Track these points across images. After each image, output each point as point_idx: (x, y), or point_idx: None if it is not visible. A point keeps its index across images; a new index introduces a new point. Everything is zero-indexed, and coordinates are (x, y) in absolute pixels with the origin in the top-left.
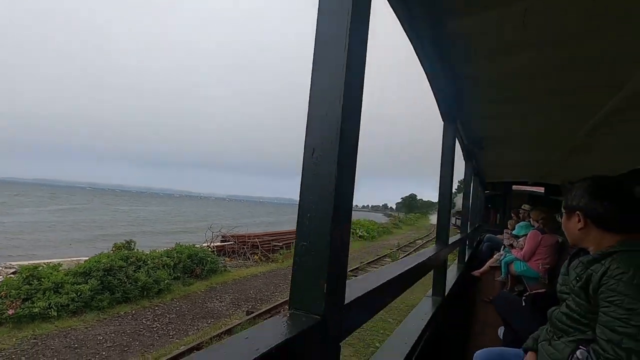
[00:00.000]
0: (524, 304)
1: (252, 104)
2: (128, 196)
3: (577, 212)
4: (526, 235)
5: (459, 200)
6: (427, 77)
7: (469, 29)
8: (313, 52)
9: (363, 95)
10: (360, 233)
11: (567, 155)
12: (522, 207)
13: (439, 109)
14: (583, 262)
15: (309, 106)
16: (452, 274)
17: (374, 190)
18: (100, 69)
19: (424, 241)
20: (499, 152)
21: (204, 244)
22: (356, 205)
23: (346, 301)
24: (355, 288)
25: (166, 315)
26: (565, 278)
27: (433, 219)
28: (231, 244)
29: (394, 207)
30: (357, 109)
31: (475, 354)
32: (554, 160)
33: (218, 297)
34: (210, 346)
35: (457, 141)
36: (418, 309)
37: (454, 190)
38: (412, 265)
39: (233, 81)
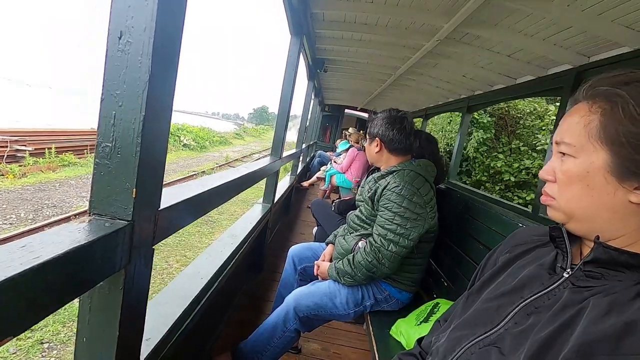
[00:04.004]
0: (333, 208)
1: None
2: None
3: (376, 137)
4: (346, 151)
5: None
6: None
7: None
8: None
9: None
10: (185, 141)
11: (387, 88)
12: (347, 130)
13: (287, 20)
14: (374, 177)
15: None
16: (284, 184)
17: (226, 97)
18: None
19: (263, 155)
20: (337, 77)
21: None
22: (206, 112)
23: (163, 206)
24: (174, 194)
25: None
26: (362, 190)
27: None
28: None
29: (245, 117)
30: None
31: (290, 248)
32: (377, 90)
33: None
34: None
35: (302, 59)
36: (248, 214)
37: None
38: (241, 175)
39: None
